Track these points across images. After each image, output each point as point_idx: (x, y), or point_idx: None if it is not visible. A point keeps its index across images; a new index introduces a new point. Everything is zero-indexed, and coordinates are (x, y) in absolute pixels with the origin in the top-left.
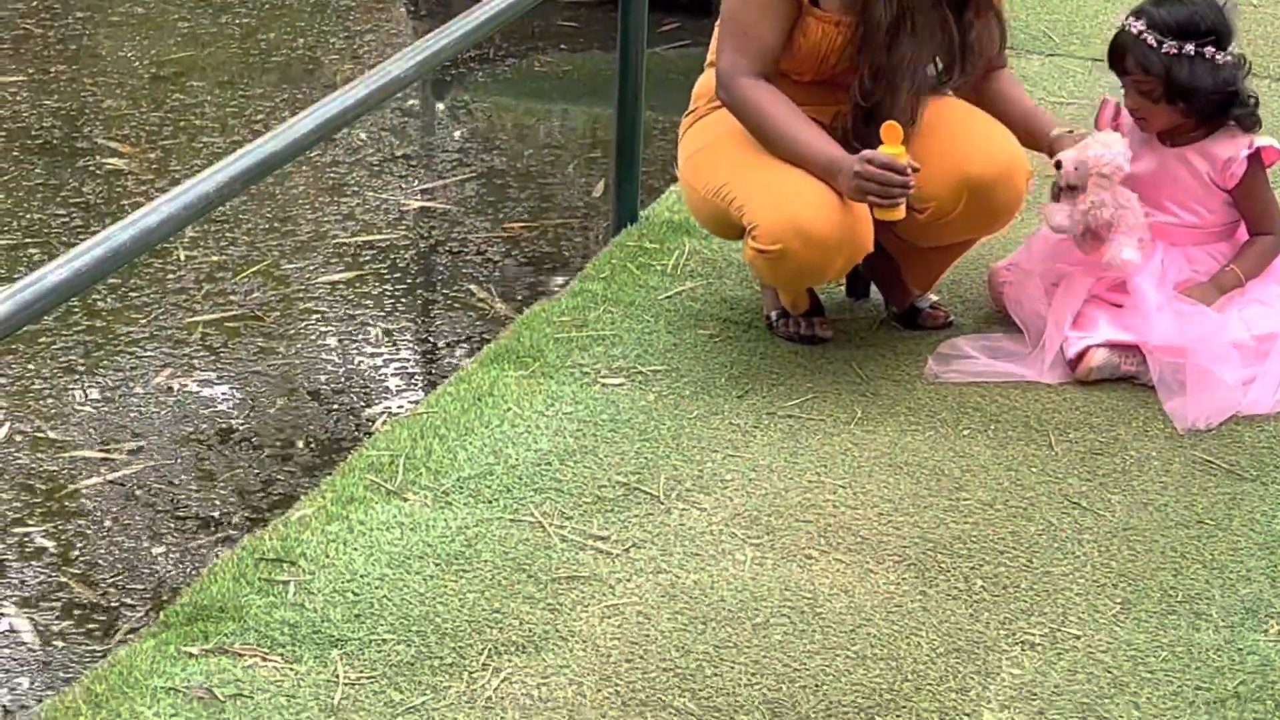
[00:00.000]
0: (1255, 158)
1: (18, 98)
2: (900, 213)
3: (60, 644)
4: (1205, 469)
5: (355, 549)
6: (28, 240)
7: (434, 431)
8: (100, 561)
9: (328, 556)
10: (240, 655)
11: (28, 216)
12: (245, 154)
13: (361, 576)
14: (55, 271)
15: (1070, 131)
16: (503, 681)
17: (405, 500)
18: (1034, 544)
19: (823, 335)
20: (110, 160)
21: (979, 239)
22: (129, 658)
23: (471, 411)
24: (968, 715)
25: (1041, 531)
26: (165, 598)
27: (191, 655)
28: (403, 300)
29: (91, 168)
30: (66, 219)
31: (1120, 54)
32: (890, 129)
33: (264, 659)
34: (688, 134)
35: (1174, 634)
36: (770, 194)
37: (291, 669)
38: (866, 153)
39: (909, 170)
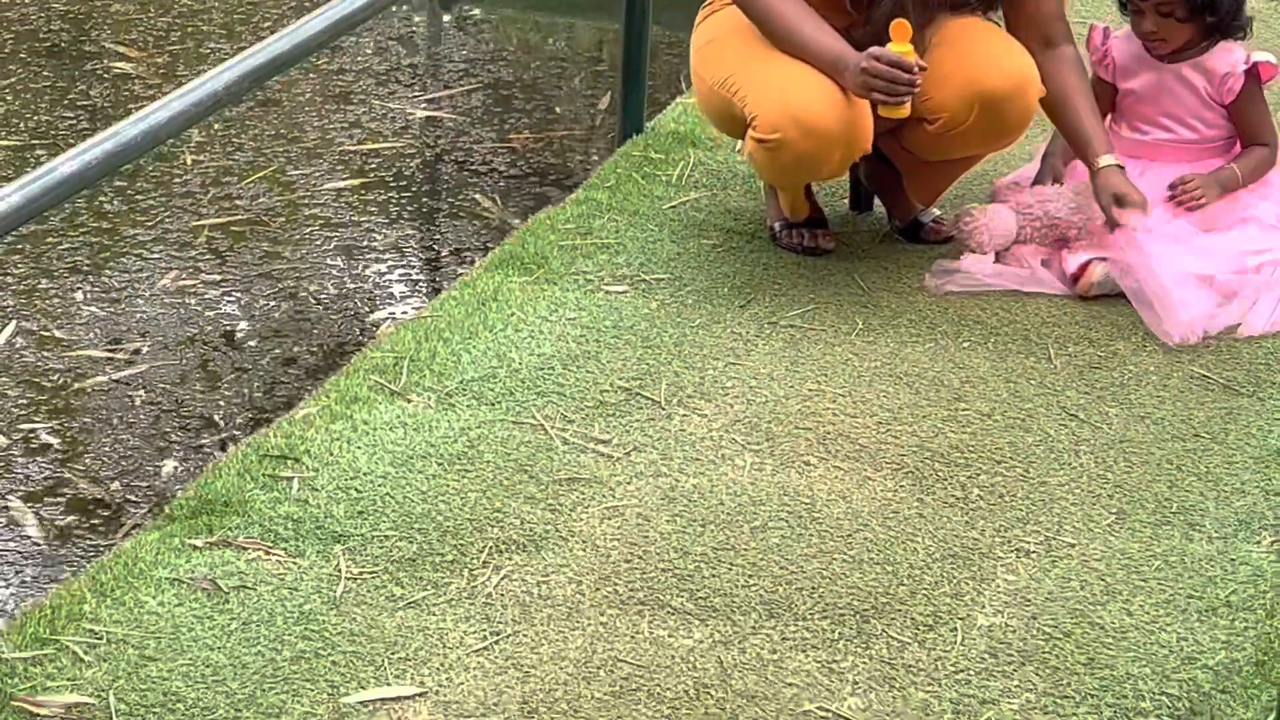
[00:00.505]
0: (1252, 72)
1: (26, 1)
2: (905, 111)
3: (65, 539)
4: (1202, 383)
5: (359, 447)
6: (35, 141)
7: (438, 335)
8: (105, 459)
9: (331, 454)
10: (244, 548)
11: (35, 118)
12: (255, 53)
13: (364, 474)
14: (65, 164)
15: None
16: (503, 579)
17: (409, 401)
18: (1031, 454)
19: (825, 247)
20: (118, 64)
21: (986, 155)
22: (134, 549)
23: (475, 316)
24: (961, 619)
25: (1039, 442)
26: (169, 495)
27: (196, 548)
28: (408, 209)
29: (99, 71)
30: (73, 121)
31: None
32: (899, 26)
33: (267, 553)
34: (700, 27)
35: (1167, 544)
36: (772, 85)
37: (294, 563)
38: (874, 49)
39: (916, 69)
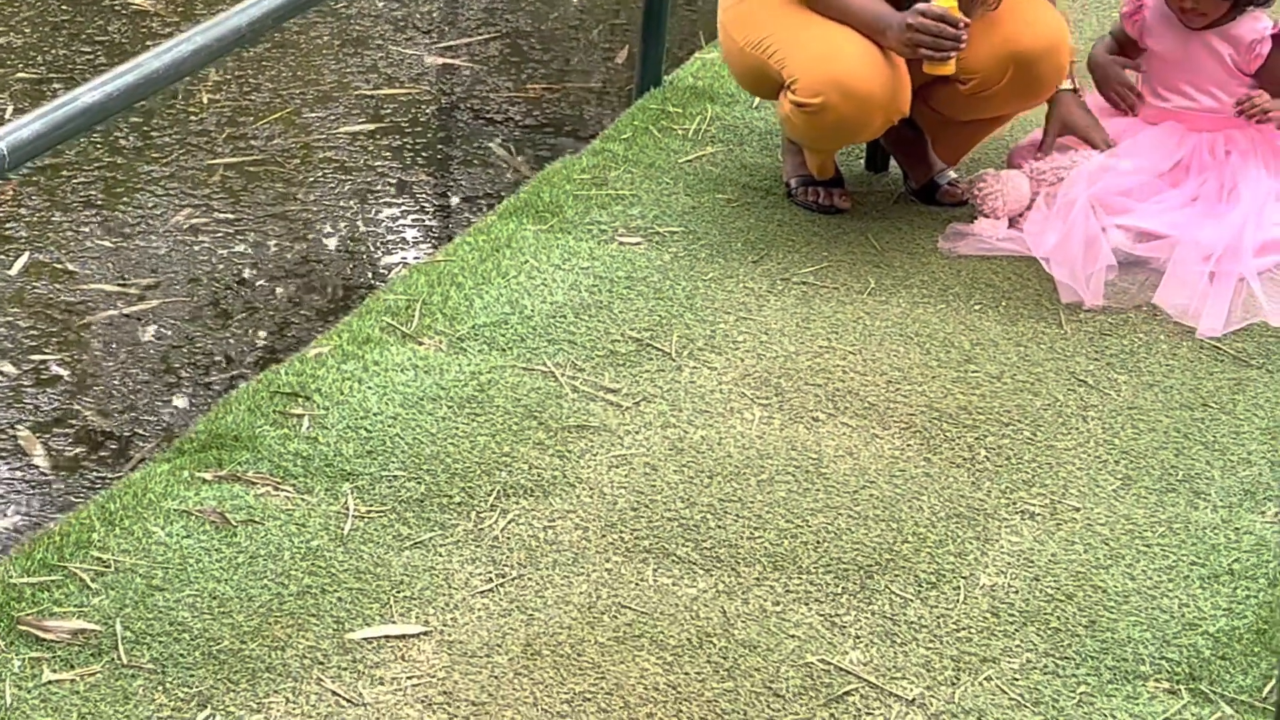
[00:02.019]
0: (1278, 38)
1: None
2: (950, 68)
3: (73, 470)
4: (1213, 354)
5: (369, 388)
6: (51, 75)
7: (451, 279)
8: (114, 393)
9: (342, 394)
10: (253, 483)
11: (52, 52)
12: None
13: (375, 414)
14: (88, 94)
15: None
16: (509, 522)
17: (420, 344)
18: (1039, 418)
19: (841, 206)
20: (136, 0)
21: (1014, 115)
22: (143, 480)
23: (489, 262)
24: (964, 578)
25: (1047, 406)
26: (177, 431)
27: (205, 481)
28: (422, 155)
29: (117, 7)
30: (91, 56)
31: None
32: None
33: (276, 488)
34: None
35: (1172, 511)
36: (813, 48)
37: (303, 499)
38: (919, 5)
39: (961, 24)
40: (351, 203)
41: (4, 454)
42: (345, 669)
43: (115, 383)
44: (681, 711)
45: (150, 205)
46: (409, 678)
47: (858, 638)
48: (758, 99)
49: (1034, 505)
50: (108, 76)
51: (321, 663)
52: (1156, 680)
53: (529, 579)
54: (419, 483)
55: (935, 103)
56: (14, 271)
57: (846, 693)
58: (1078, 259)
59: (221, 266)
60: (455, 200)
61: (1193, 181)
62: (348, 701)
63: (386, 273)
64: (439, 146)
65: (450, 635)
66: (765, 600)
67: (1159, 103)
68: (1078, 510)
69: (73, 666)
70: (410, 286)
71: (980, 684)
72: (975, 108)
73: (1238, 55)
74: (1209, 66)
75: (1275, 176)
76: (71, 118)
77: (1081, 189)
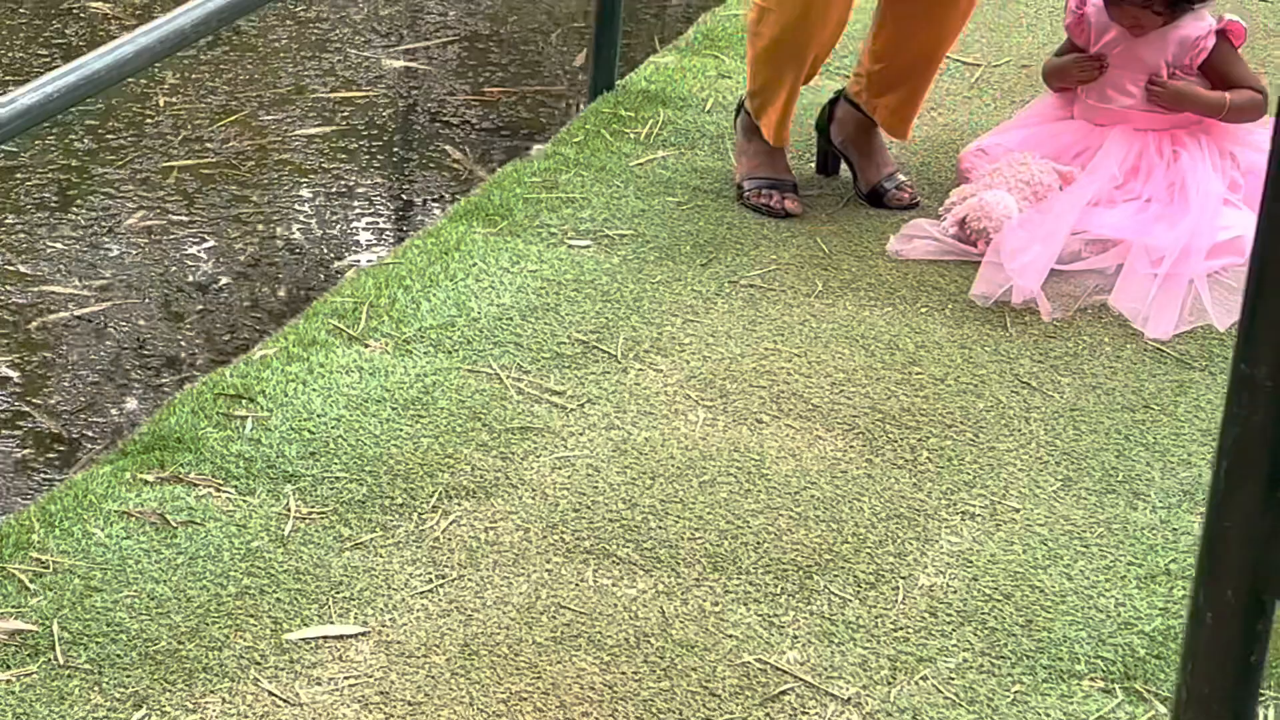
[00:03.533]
0: (1221, 33)
1: None
2: None
3: (20, 471)
4: (1156, 356)
5: (314, 390)
6: (8, 78)
7: (399, 281)
8: (64, 394)
9: (286, 395)
10: (194, 484)
11: (9, 55)
12: None
13: (318, 416)
14: (27, 95)
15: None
16: (451, 524)
17: (366, 346)
18: (981, 420)
19: (792, 210)
20: (94, 4)
21: (941, 57)
22: (85, 481)
23: (437, 264)
24: (904, 578)
25: (990, 408)
26: (126, 433)
27: (146, 482)
28: (378, 157)
29: (75, 10)
30: (48, 59)
31: None
32: None
33: (218, 490)
34: None
35: (1111, 512)
36: None
37: (244, 500)
38: None
39: None
40: (307, 206)
41: None
42: (282, 669)
43: (65, 384)
44: (617, 711)
45: (104, 207)
46: (346, 678)
47: (795, 638)
48: (710, 102)
49: (974, 506)
50: (48, 77)
51: (259, 663)
52: (1091, 679)
53: (469, 580)
54: (361, 484)
55: (876, 50)
56: None
57: (782, 692)
58: (1044, 273)
59: (175, 269)
60: (411, 203)
61: (1143, 183)
62: (284, 701)
63: (339, 275)
64: (395, 150)
65: (388, 636)
66: (704, 600)
67: (1104, 104)
68: (1018, 511)
69: (9, 667)
70: (358, 289)
71: (916, 683)
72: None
73: (1182, 54)
74: (1154, 65)
75: (1224, 178)
76: (11, 119)
77: (1067, 221)
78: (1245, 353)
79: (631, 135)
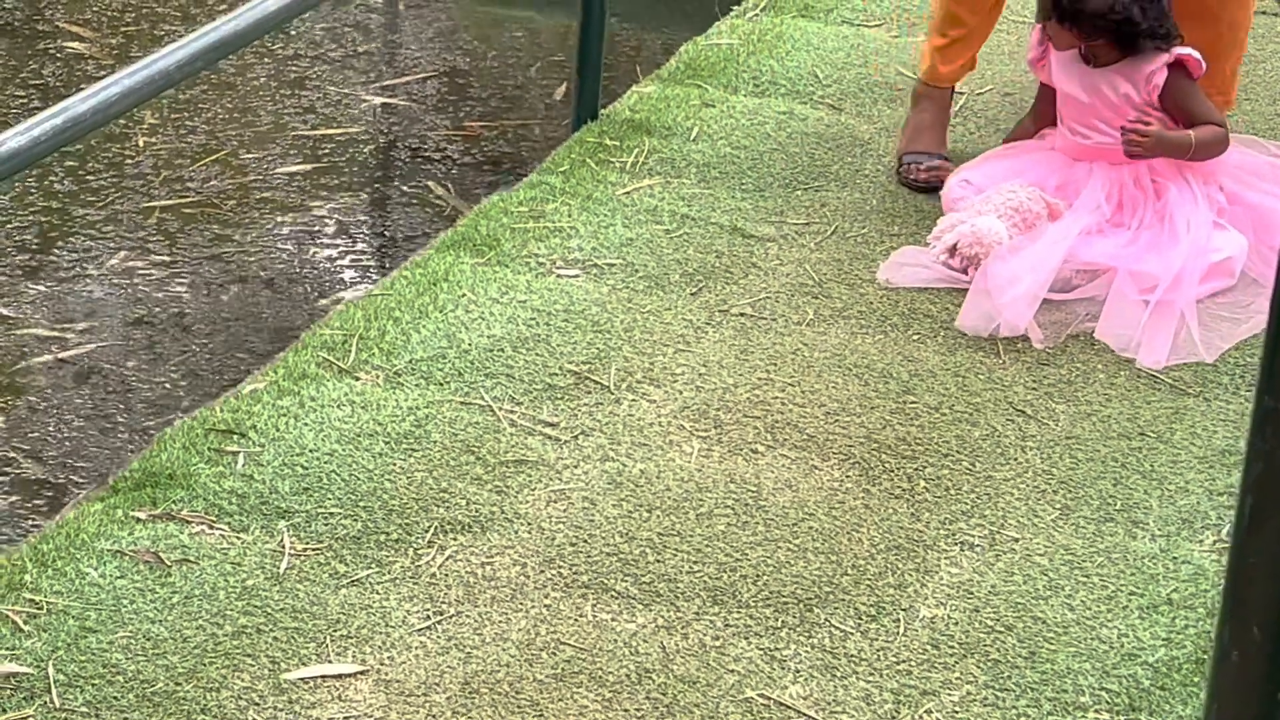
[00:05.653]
0: (1177, 65)
1: None
2: None
3: (6, 520)
4: (1150, 383)
5: (305, 424)
6: None
7: (388, 314)
8: (49, 438)
9: (278, 430)
10: (187, 522)
11: None
12: (207, 32)
13: (311, 451)
14: (13, 139)
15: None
16: (447, 559)
17: (357, 379)
18: (977, 449)
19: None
20: (71, 44)
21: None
22: (76, 520)
23: (426, 296)
24: (904, 610)
25: (985, 437)
26: (113, 477)
27: (139, 520)
28: (360, 194)
29: (52, 51)
30: (25, 100)
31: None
32: None
33: (211, 527)
34: None
35: (1111, 540)
36: None
37: (238, 538)
38: None
39: None
40: (289, 244)
41: None
42: (281, 709)
43: (50, 429)
44: None
45: (86, 249)
46: (346, 718)
47: (797, 671)
48: (695, 131)
49: (973, 536)
50: (33, 121)
51: (257, 703)
52: (1096, 711)
53: (467, 616)
54: (355, 520)
55: None
56: None
57: None
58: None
59: (158, 309)
60: (394, 239)
61: (1130, 215)
62: None
63: (324, 312)
64: (377, 185)
65: (388, 674)
66: (705, 635)
67: (1079, 140)
68: (1017, 541)
69: (4, 710)
70: (347, 321)
71: (920, 717)
72: None
73: (1139, 89)
74: (1116, 102)
75: (1210, 204)
76: None
77: (1057, 251)
78: (1269, 386)
79: (617, 164)
